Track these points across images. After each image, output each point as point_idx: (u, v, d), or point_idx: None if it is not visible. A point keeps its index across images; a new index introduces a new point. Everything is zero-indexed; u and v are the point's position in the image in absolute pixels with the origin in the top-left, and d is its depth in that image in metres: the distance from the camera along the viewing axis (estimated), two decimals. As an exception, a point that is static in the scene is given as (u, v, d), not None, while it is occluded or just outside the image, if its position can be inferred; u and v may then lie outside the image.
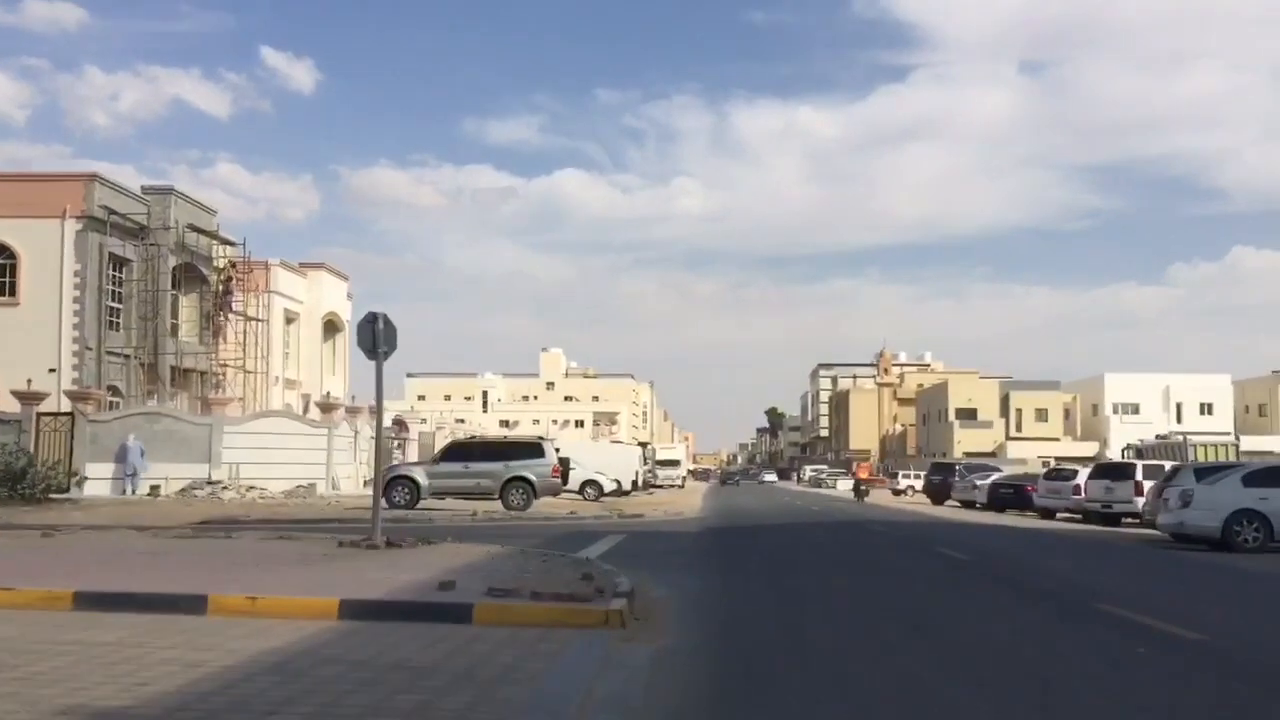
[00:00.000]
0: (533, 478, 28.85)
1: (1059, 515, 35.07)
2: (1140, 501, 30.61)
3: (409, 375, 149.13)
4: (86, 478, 31.59)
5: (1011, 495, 39.21)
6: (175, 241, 39.00)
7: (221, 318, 43.08)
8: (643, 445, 80.00)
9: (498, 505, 28.63)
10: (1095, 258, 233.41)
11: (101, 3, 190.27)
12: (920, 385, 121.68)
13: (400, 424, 46.15)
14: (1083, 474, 34.57)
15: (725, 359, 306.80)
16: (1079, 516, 33.84)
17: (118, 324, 37.82)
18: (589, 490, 41.87)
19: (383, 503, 29.49)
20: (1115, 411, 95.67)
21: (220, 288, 41.78)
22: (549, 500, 31.81)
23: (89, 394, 33.13)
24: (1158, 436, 63.29)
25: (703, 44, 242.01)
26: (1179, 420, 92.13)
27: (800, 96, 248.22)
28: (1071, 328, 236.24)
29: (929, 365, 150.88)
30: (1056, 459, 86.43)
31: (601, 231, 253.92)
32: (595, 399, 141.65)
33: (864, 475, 68.61)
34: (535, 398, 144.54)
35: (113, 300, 37.67)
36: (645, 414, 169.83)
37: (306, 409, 42.10)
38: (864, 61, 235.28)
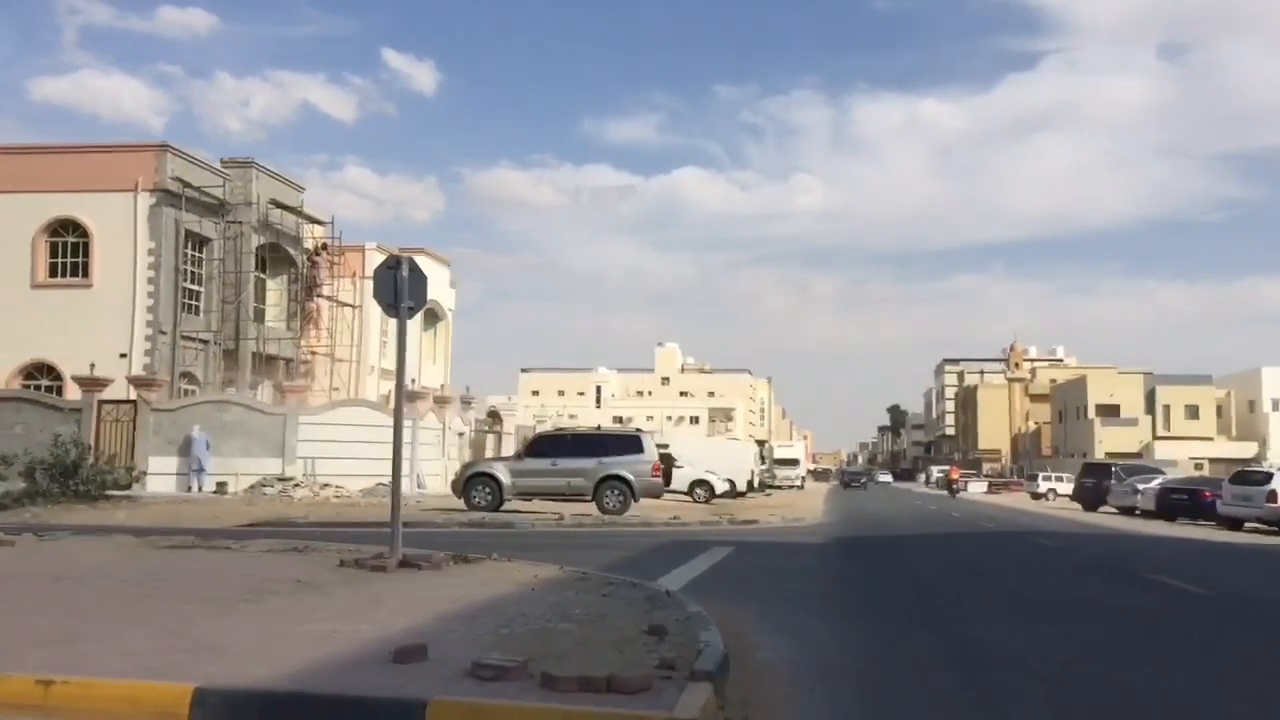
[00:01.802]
0: (630, 477, 25.18)
1: (1246, 526, 30.09)
2: (1356, 510, 25.66)
3: (523, 370, 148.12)
4: (146, 472, 29.07)
5: (1186, 502, 34.10)
6: (258, 219, 36.43)
7: (312, 302, 40.52)
8: (760, 444, 75.85)
9: (591, 508, 25.11)
10: (1234, 250, 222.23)
11: (229, 7, 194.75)
12: (1054, 381, 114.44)
13: (495, 415, 43.08)
14: (1279, 478, 29.44)
15: (845, 357, 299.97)
16: (1276, 528, 28.82)
17: (196, 307, 35.42)
18: (699, 492, 38.09)
19: (461, 504, 26.53)
20: (1275, 408, 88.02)
21: (308, 270, 39.18)
22: (650, 503, 28.11)
23: (153, 380, 30.65)
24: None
25: (822, 36, 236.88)
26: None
27: (923, 88, 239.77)
28: (1209, 324, 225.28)
29: (1061, 360, 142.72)
30: (1210, 460, 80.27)
31: (719, 229, 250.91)
32: (711, 395, 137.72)
33: (955, 475, 73.05)
34: (650, 393, 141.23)
35: (191, 281, 35.29)
36: (763, 411, 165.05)
37: (388, 400, 39.31)
38: (990, 49, 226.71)
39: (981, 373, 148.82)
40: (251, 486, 29.59)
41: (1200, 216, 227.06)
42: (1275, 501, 28.75)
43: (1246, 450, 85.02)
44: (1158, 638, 8.90)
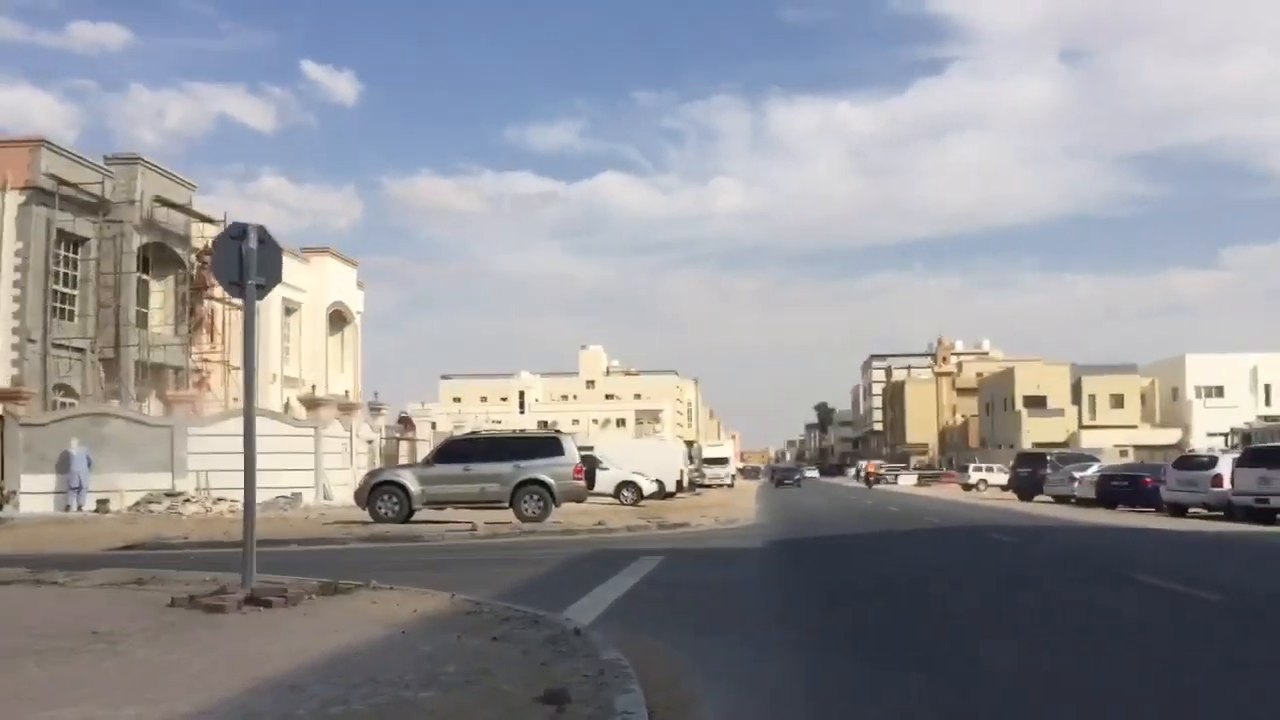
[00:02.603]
0: (550, 481, 23.14)
1: (1190, 512, 29.02)
2: (1310, 493, 24.57)
3: (444, 377, 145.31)
4: (18, 491, 26.33)
5: (1126, 489, 33.04)
6: (141, 217, 33.53)
7: (202, 305, 37.75)
8: (689, 444, 74.13)
9: (510, 515, 23.02)
10: (1145, 244, 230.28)
11: (144, 22, 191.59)
12: (980, 374, 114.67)
13: (407, 422, 40.65)
14: (1224, 461, 28.36)
15: (770, 356, 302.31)
16: (1219, 513, 27.72)
17: (70, 312, 32.49)
18: (626, 494, 36.11)
19: (366, 515, 24.26)
20: (1198, 395, 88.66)
21: (197, 270, 36.41)
22: (574, 508, 26.06)
23: (19, 393, 27.83)
24: (1266, 419, 56.38)
25: (739, 43, 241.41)
26: (1268, 403, 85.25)
27: (838, 92, 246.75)
28: (1124, 315, 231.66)
29: (987, 353, 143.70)
30: (1135, 448, 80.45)
31: (642, 233, 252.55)
32: (637, 397, 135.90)
33: (871, 470, 79.04)
34: (575, 397, 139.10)
35: (65, 284, 32.37)
36: (690, 411, 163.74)
37: (288, 407, 36.81)
38: (900, 56, 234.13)
39: (908, 368, 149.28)
40: (136, 504, 27.02)
41: (1111, 212, 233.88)
42: (1220, 486, 27.64)
43: (1170, 437, 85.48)
44: (1193, 658, 7.12)
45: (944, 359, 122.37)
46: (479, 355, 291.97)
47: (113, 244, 32.89)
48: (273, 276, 9.48)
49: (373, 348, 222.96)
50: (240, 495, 26.44)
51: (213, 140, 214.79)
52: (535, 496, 23.03)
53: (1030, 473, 42.57)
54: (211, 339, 39.71)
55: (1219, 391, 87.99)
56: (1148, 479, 32.26)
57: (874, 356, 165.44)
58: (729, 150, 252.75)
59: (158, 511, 26.34)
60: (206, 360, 38.27)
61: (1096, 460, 43.76)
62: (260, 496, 27.84)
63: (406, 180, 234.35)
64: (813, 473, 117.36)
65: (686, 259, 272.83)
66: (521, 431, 26.13)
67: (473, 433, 25.42)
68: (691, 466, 59.35)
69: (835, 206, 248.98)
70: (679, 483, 44.72)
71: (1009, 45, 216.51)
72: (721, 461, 74.49)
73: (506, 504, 23.09)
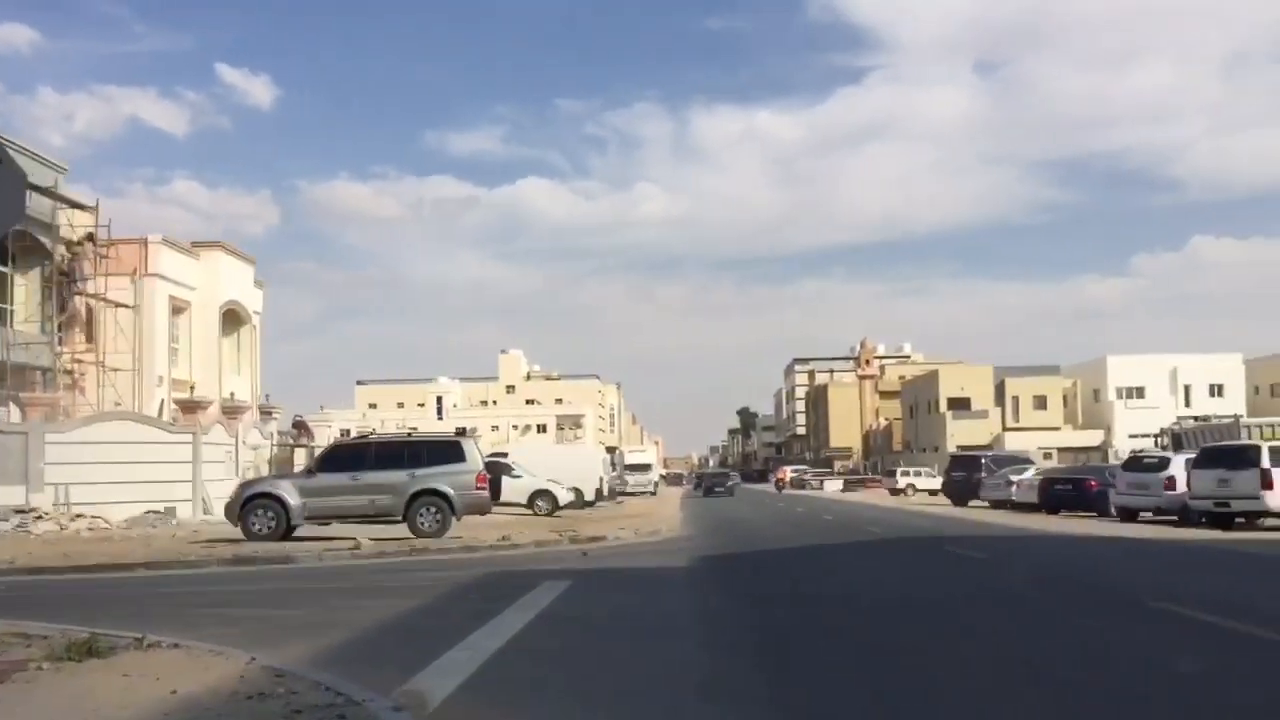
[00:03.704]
0: (449, 491, 20.43)
1: (1141, 517, 27.36)
2: (1272, 496, 22.95)
3: (359, 383, 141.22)
4: None
5: (1070, 493, 31.31)
6: (-4, 200, 30.17)
7: (74, 303, 34.29)
8: (611, 450, 71.66)
9: (402, 529, 20.33)
10: (1058, 251, 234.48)
11: (54, 24, 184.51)
12: (903, 377, 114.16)
13: (301, 427, 37.53)
14: (1178, 462, 26.71)
15: (693, 362, 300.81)
16: (1173, 518, 26.08)
17: (-88, 306, 29.00)
18: (540, 504, 33.58)
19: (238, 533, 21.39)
20: (1120, 396, 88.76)
21: (67, 262, 32.99)
22: (478, 521, 23.43)
23: None
24: (1197, 419, 55.60)
25: (662, 52, 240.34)
26: (1188, 404, 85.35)
27: (759, 101, 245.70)
28: (1040, 320, 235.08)
29: (909, 357, 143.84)
30: (1059, 450, 79.94)
31: (565, 239, 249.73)
32: (559, 402, 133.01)
33: (781, 476, 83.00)
34: (494, 402, 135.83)
35: (-93, 276, 28.86)
36: (613, 417, 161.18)
37: (161, 411, 33.51)
38: (820, 65, 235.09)
39: (831, 372, 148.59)
40: (-23, 523, 23.74)
41: (1025, 220, 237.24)
42: (1174, 489, 26.01)
43: (1093, 438, 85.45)
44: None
45: (866, 362, 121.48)
46: (400, 362, 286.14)
47: (-35, 231, 29.42)
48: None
49: (290, 355, 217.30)
50: (105, 510, 23.38)
51: (123, 144, 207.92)
52: (432, 509, 20.35)
53: (965, 477, 40.87)
54: (89, 339, 36.29)
55: (1140, 393, 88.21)
56: (1092, 482, 30.65)
57: (796, 360, 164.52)
58: (652, 157, 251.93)
59: (3, 530, 23.14)
60: (79, 361, 34.81)
61: (1031, 463, 42.29)
62: (128, 512, 24.92)
63: (324, 185, 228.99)
64: (735, 479, 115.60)
65: (610, 265, 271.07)
66: (413, 433, 23.33)
67: (362, 436, 22.58)
68: (613, 474, 56.96)
69: (758, 213, 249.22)
70: (599, 491, 42.25)
71: (926, 55, 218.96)
72: (644, 468, 72.21)
73: (400, 517, 20.40)
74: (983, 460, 41.72)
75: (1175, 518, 25.96)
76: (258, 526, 19.91)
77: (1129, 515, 27.52)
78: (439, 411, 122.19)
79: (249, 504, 20.13)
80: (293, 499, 20.12)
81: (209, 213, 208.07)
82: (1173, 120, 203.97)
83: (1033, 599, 10.89)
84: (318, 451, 37.80)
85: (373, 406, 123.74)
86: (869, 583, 12.69)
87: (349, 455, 21.31)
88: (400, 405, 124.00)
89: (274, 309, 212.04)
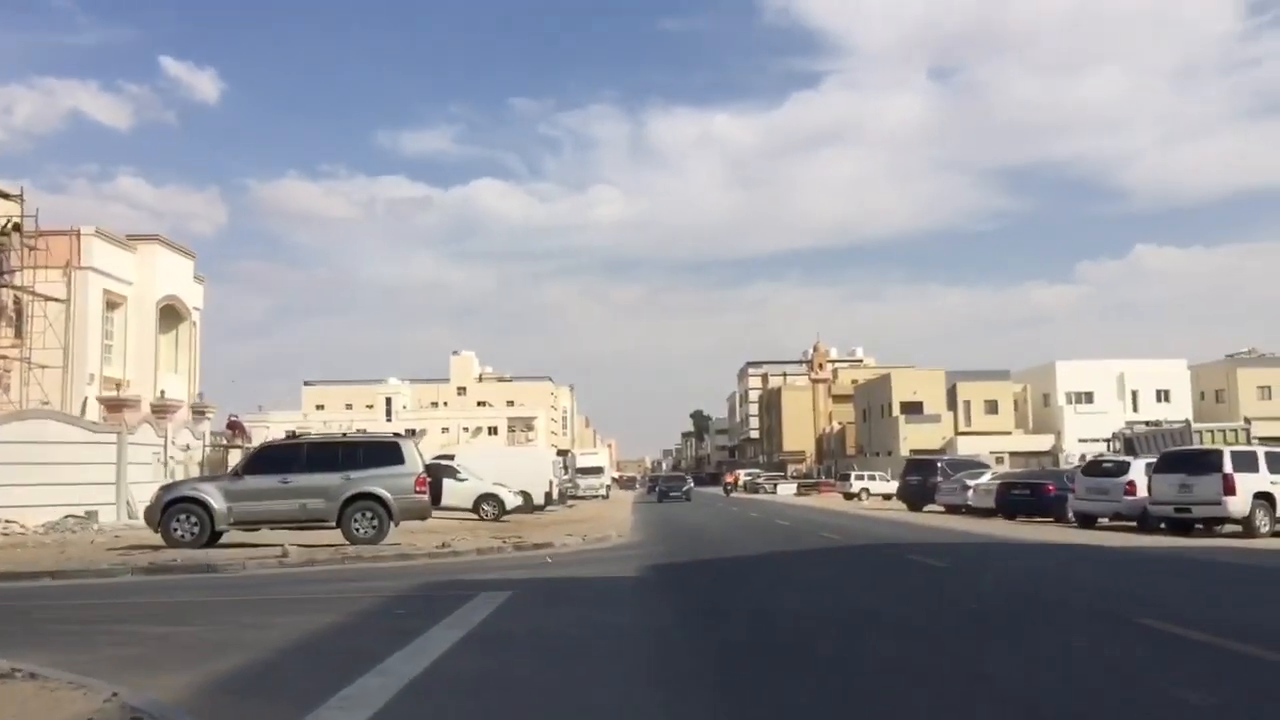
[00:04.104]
0: (386, 495, 19.32)
1: (1100, 523, 26.86)
2: (1234, 502, 22.47)
3: (306, 383, 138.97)
4: None
5: (1028, 498, 30.76)
6: (-89, 186, 28.59)
7: (1, 296, 32.69)
8: (563, 453, 70.63)
9: (336, 535, 19.20)
10: (1006, 258, 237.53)
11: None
12: (855, 381, 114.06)
13: (236, 427, 36.03)
14: (1137, 467, 26.21)
15: (648, 364, 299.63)
16: (1132, 524, 25.57)
17: None
18: (486, 508, 32.51)
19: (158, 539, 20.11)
20: (1069, 401, 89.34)
21: (-12, 253, 31.44)
22: (419, 527, 22.37)
23: None
24: (1148, 423, 55.62)
25: (618, 53, 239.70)
26: (1135, 409, 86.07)
27: (716, 104, 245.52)
28: (989, 327, 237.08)
29: (861, 361, 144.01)
30: (1010, 454, 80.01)
31: (520, 240, 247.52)
32: (511, 404, 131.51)
33: (730, 479, 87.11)
34: (445, 404, 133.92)
35: None
36: (565, 420, 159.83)
37: (84, 409, 31.90)
38: (777, 69, 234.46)
39: (784, 375, 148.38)
40: (-121, 528, 22.28)
41: (975, 227, 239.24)
42: (1134, 494, 25.52)
43: (1044, 443, 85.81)
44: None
45: (820, 365, 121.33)
46: (350, 364, 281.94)
47: (-125, 217, 27.83)
48: None
49: (238, 356, 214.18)
50: (21, 514, 21.98)
51: (64, 138, 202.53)
52: (368, 514, 19.23)
53: (920, 481, 40.33)
54: (18, 333, 34.68)
55: (1089, 398, 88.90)
56: (1050, 486, 30.12)
57: (750, 364, 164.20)
58: (608, 159, 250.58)
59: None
60: (3, 357, 33.22)
61: (987, 467, 41.87)
62: (46, 516, 23.54)
63: (273, 183, 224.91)
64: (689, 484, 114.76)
65: (565, 267, 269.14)
66: (347, 434, 22.14)
67: (292, 435, 21.35)
68: (565, 477, 55.92)
69: (714, 217, 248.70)
70: (548, 495, 41.25)
71: (881, 61, 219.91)
72: (596, 471, 71.31)
73: (334, 523, 19.25)
74: (938, 464, 41.24)
75: (1135, 523, 25.48)
76: (179, 532, 18.70)
77: (1087, 521, 27.03)
78: (388, 413, 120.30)
79: (170, 508, 18.91)
80: (217, 503, 18.92)
81: (156, 210, 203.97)
82: (1122, 129, 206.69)
83: (1009, 614, 9.97)
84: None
85: (319, 408, 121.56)
86: (831, 595, 11.69)
87: (279, 456, 20.08)
88: (349, 406, 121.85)
89: (222, 309, 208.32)
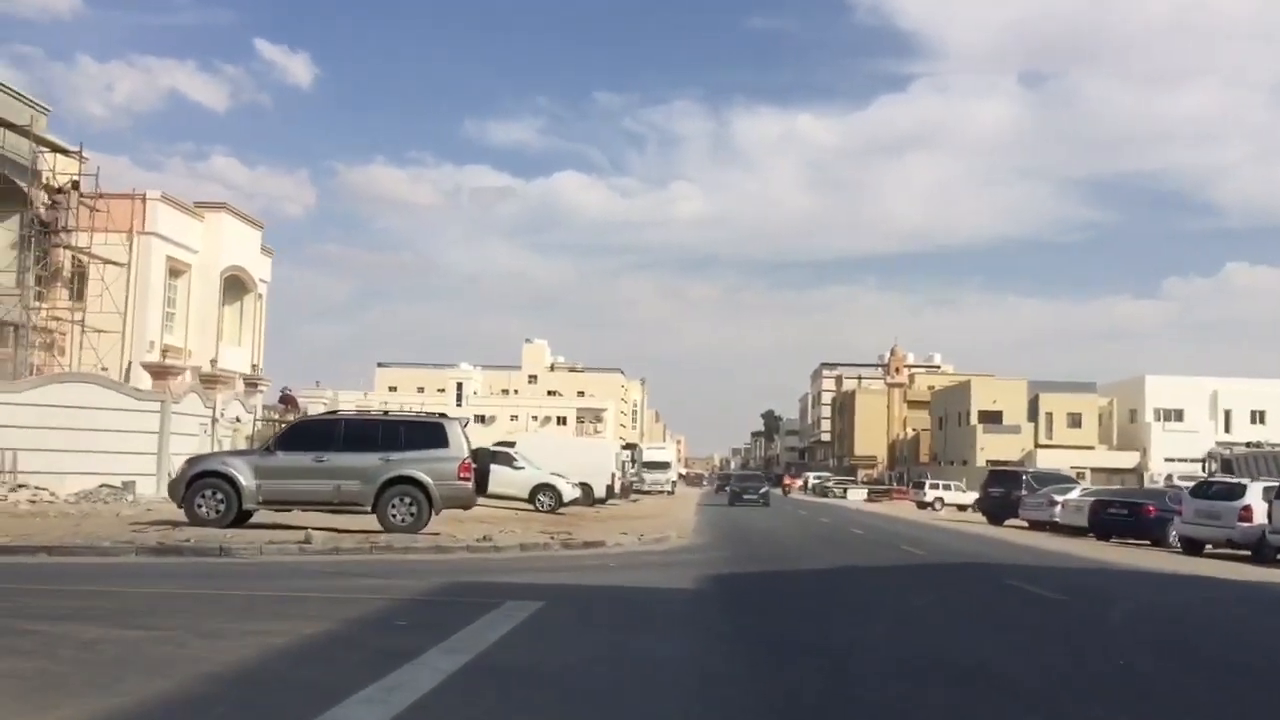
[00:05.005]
0: (427, 479, 17.74)
1: (1207, 550, 24.42)
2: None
3: (380, 365, 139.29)
4: None
5: (1125, 518, 28.33)
6: (-35, 138, 27.73)
7: (59, 256, 31.88)
8: (629, 446, 68.98)
9: (372, 520, 17.70)
10: (1089, 270, 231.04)
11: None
12: (932, 387, 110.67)
13: (289, 400, 34.89)
14: (1255, 490, 23.73)
15: (720, 363, 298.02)
16: (1245, 552, 23.12)
17: None
18: (542, 499, 30.89)
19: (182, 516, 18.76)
20: (1157, 418, 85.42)
21: (46, 210, 30.54)
22: (465, 515, 20.73)
23: None
24: (1249, 444, 52.27)
25: (704, 50, 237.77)
26: (1228, 429, 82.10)
27: (800, 104, 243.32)
28: (1068, 339, 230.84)
29: (939, 367, 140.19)
30: (1092, 470, 76.61)
31: (599, 234, 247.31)
32: (581, 394, 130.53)
33: (787, 482, 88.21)
34: (515, 391, 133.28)
35: None
36: (635, 413, 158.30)
37: (128, 376, 30.85)
38: (865, 70, 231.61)
39: (859, 378, 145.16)
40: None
41: (1059, 237, 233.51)
42: (1250, 520, 23.03)
43: (1129, 460, 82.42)
44: None
45: (896, 370, 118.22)
46: (426, 348, 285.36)
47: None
48: None
49: (321, 336, 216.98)
50: (55, 481, 20.83)
51: (163, 117, 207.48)
52: (406, 500, 17.69)
53: (1003, 493, 37.87)
54: (79, 295, 33.93)
55: (1178, 415, 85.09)
56: (1151, 507, 27.67)
57: (824, 365, 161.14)
58: (689, 156, 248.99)
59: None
60: (58, 319, 32.43)
61: (1075, 482, 39.34)
62: (81, 484, 22.41)
63: (360, 168, 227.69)
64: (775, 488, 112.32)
65: (642, 262, 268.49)
66: (395, 413, 20.63)
67: (331, 412, 19.90)
68: (630, 471, 54.31)
69: (792, 217, 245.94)
70: (610, 488, 39.61)
71: (972, 65, 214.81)
72: (663, 466, 69.57)
73: (369, 508, 17.75)
74: (1023, 477, 38.73)
75: (1249, 552, 23.03)
76: (204, 509, 17.32)
77: (1194, 547, 24.59)
78: (458, 398, 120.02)
79: (195, 483, 17.52)
80: (246, 480, 17.49)
81: (248, 190, 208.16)
82: (1217, 143, 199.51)
83: (1172, 678, 7.74)
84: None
85: (393, 389, 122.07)
86: (928, 633, 9.40)
87: (315, 432, 18.64)
88: (420, 390, 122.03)
89: (307, 290, 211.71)
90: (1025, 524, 34.83)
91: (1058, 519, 32.24)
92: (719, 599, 11.66)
